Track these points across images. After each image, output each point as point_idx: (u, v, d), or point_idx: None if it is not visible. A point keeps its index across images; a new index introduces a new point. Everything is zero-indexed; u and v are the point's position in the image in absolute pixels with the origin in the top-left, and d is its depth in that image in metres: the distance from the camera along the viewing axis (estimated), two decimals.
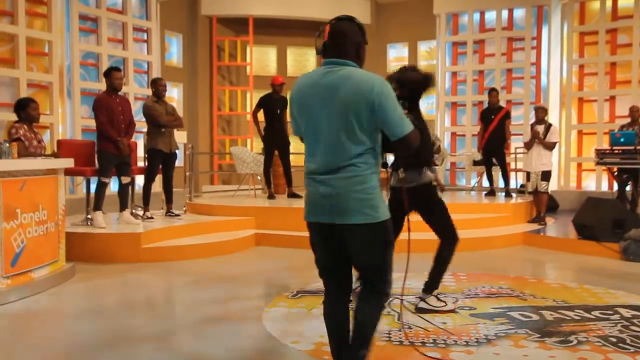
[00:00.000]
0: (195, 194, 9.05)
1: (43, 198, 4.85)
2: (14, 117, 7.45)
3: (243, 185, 9.81)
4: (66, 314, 4.43)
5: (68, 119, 9.16)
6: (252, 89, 12.20)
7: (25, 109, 5.68)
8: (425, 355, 3.15)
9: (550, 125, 7.88)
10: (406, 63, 12.61)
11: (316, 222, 2.50)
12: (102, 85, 8.56)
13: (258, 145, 11.67)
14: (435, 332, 3.67)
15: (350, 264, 2.58)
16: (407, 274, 2.93)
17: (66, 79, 9.11)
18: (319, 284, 2.72)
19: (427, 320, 3.89)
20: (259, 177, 9.43)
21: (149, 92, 9.78)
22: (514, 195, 9.13)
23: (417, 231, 3.46)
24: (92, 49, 9.61)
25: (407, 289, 4.64)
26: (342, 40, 2.49)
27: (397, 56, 12.85)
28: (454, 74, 12.16)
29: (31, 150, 5.53)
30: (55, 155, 5.79)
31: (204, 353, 3.40)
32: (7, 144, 4.76)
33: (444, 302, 4.14)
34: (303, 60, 13.04)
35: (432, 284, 4.14)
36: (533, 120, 8.22)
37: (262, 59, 12.81)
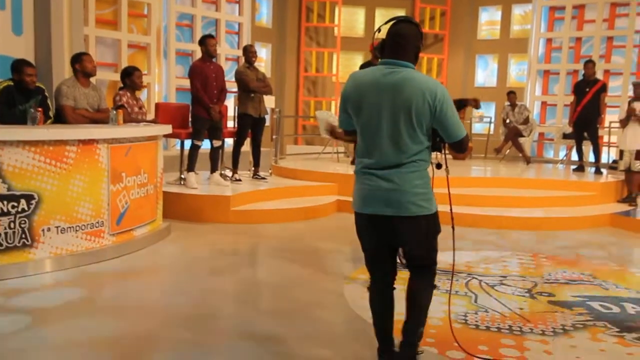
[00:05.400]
0: (281, 156, 9.34)
1: (144, 162, 5.24)
2: (116, 76, 7.98)
3: (326, 148, 10.01)
4: (162, 274, 4.84)
5: (164, 79, 9.61)
6: (339, 50, 12.25)
7: (130, 77, 6.05)
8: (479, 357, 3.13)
9: None
10: (498, 27, 12.21)
11: (370, 214, 2.63)
12: (195, 46, 8.93)
13: None
14: (512, 318, 3.74)
15: (396, 254, 2.78)
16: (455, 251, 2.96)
17: (163, 40, 9.52)
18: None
19: (504, 305, 3.97)
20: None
21: (240, 52, 10.09)
22: (604, 171, 8.81)
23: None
24: (187, 10, 9.95)
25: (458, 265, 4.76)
26: (403, 43, 2.58)
27: (489, 19, 12.43)
28: (549, 40, 11.67)
29: (133, 116, 5.92)
30: (155, 121, 6.17)
31: (283, 322, 3.65)
32: (114, 112, 5.14)
33: None
34: None
35: None
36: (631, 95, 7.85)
37: (350, 19, 12.75)
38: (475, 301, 4.04)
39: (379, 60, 2.68)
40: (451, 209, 2.83)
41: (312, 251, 5.42)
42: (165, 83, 9.63)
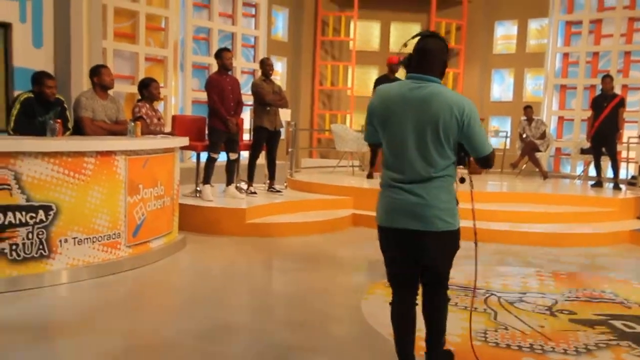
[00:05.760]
0: (296, 169, 9.33)
1: (161, 174, 5.24)
2: (133, 89, 8.04)
3: (342, 161, 9.99)
4: (178, 285, 4.82)
5: (180, 91, 9.68)
6: (354, 64, 12.27)
7: (147, 88, 6.09)
8: None
9: None
10: (514, 42, 12.17)
11: (395, 228, 2.63)
12: (212, 59, 8.98)
13: (357, 121, 11.80)
14: (532, 336, 3.66)
15: (419, 269, 2.75)
16: (477, 268, 3.02)
17: (179, 53, 9.59)
18: None
19: (524, 322, 3.90)
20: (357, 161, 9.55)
21: (255, 66, 10.15)
22: (623, 187, 8.69)
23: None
24: (204, 24, 10.05)
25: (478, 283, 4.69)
26: (430, 58, 2.62)
27: (505, 34, 12.41)
28: (566, 55, 11.60)
29: (151, 128, 5.95)
30: (171, 134, 6.19)
31: (298, 336, 3.61)
32: (132, 123, 5.17)
33: None
34: (407, 36, 12.83)
35: None
36: None
37: (364, 33, 12.79)
38: (495, 318, 3.97)
39: (395, 74, 2.71)
40: (474, 225, 2.81)
41: (328, 265, 5.38)
42: (181, 96, 9.70)
